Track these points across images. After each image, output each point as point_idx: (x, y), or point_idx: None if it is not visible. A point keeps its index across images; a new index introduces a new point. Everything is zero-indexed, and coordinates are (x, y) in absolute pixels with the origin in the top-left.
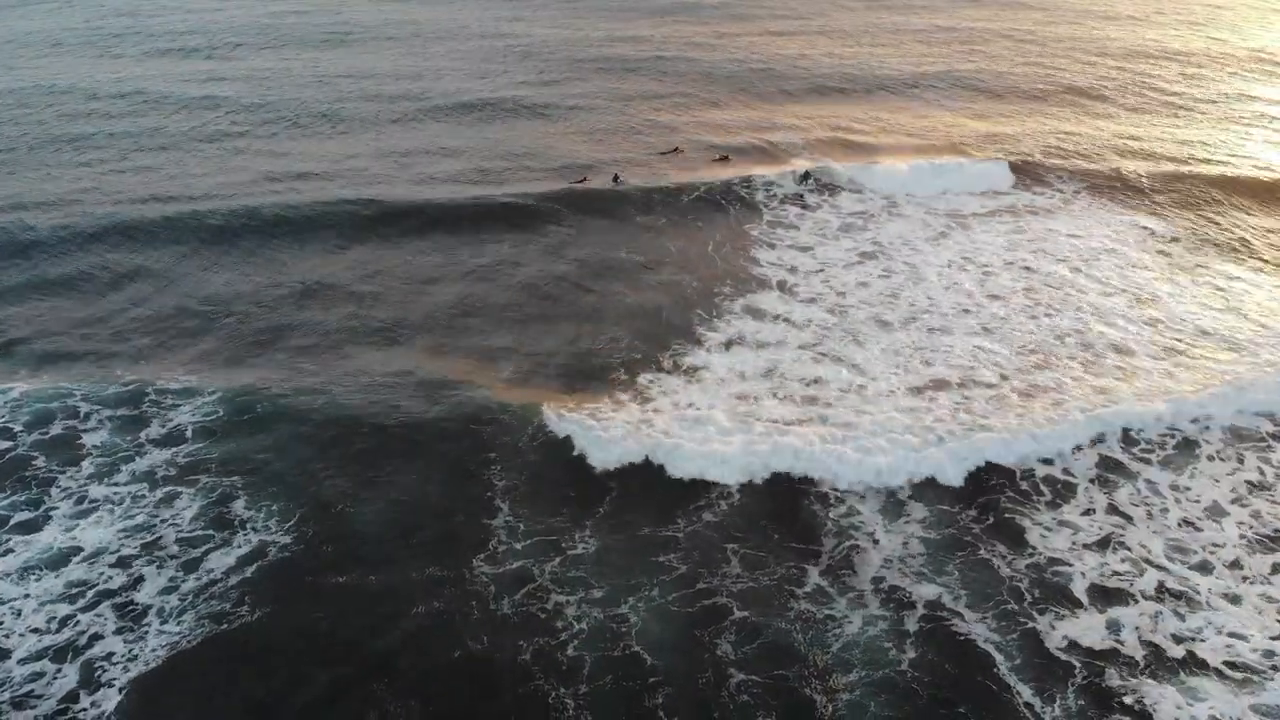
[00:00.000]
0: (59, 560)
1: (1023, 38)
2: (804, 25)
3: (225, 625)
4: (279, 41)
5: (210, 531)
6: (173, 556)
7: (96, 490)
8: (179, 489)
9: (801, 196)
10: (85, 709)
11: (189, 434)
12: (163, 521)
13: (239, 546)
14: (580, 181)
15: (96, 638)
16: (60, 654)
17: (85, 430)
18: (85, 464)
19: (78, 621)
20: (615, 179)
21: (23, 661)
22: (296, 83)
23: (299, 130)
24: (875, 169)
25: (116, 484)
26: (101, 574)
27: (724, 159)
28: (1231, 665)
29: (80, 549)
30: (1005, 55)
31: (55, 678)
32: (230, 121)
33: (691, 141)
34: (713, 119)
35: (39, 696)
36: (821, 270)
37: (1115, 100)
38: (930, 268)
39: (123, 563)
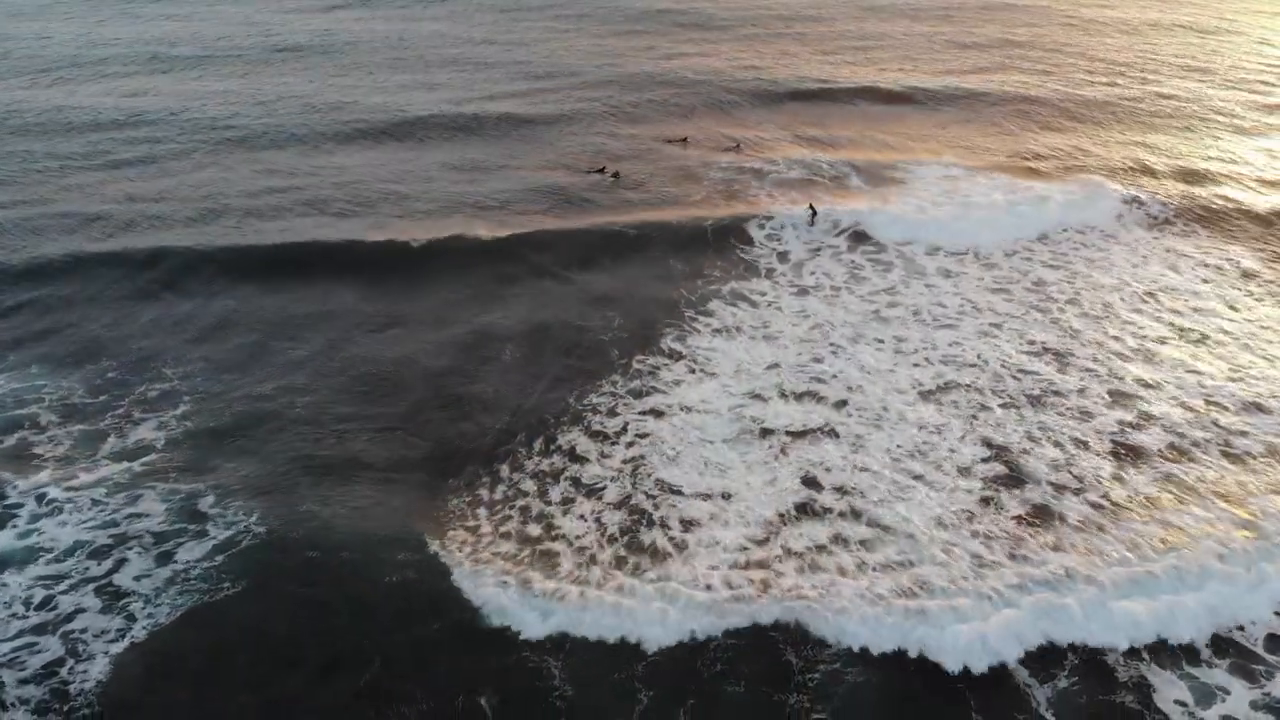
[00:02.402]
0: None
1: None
2: (812, 33)
3: (206, 599)
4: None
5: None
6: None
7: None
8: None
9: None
10: (71, 678)
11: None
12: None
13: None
14: (600, 170)
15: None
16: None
17: None
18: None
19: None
20: (615, 175)
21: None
22: (257, 99)
23: (248, 153)
24: (924, 220)
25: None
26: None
27: (735, 148)
28: None
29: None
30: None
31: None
32: (184, 141)
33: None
34: (718, 134)
35: (25, 664)
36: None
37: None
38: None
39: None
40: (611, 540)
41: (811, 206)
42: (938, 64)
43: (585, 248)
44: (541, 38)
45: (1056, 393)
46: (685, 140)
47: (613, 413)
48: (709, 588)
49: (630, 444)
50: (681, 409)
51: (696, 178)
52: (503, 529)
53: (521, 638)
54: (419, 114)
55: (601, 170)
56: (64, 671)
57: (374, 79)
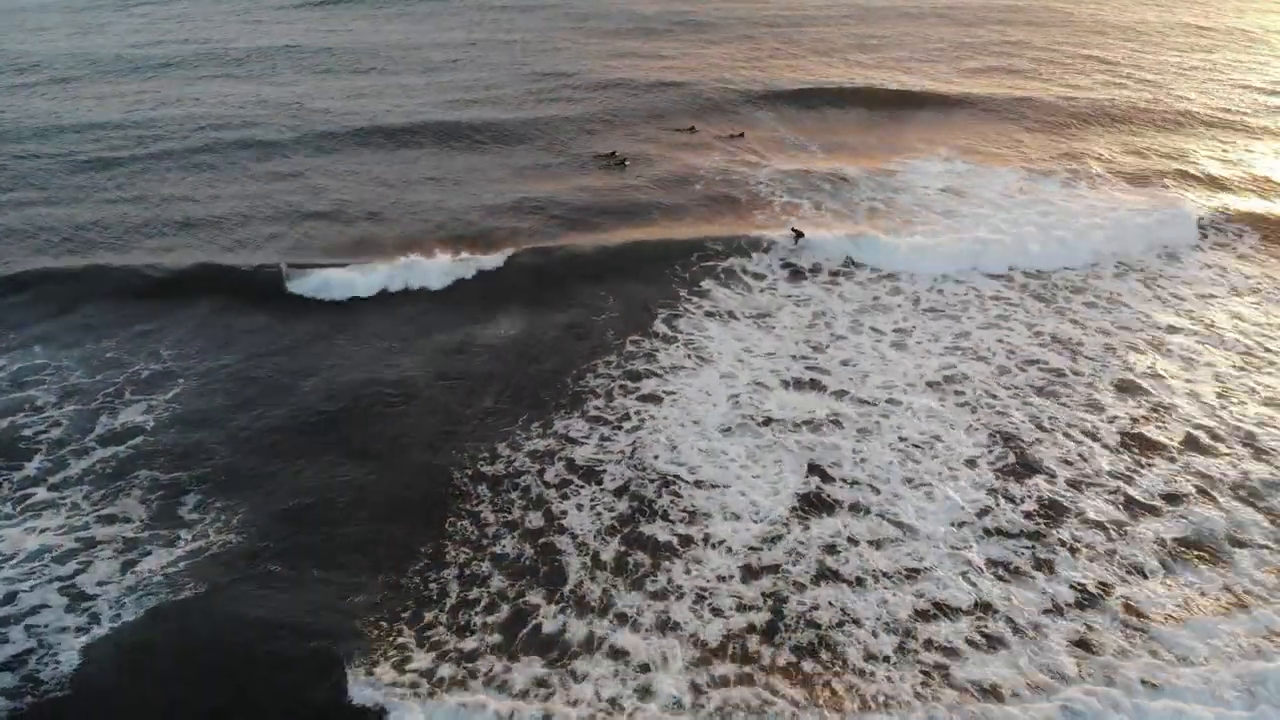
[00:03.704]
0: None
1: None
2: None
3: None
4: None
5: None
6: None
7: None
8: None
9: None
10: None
11: None
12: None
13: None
14: (610, 155)
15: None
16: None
17: None
18: None
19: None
20: (623, 163)
21: None
22: (257, 100)
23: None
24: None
25: None
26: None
27: (739, 135)
28: None
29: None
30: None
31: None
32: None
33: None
34: (715, 133)
35: None
36: None
37: None
38: None
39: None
40: (612, 531)
41: (794, 230)
42: (941, 64)
43: (586, 246)
44: (536, 38)
45: (1065, 384)
46: (693, 129)
47: (610, 397)
48: (716, 613)
49: (631, 430)
50: (681, 397)
51: (696, 174)
52: (506, 517)
53: None
54: (415, 116)
55: (611, 155)
56: (33, 661)
57: (369, 80)
